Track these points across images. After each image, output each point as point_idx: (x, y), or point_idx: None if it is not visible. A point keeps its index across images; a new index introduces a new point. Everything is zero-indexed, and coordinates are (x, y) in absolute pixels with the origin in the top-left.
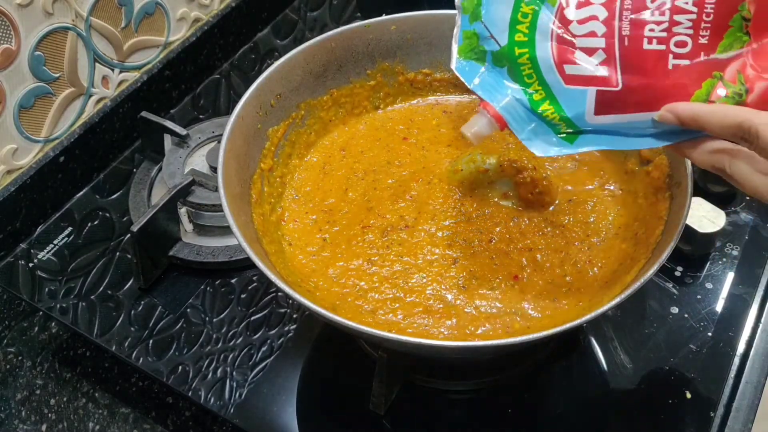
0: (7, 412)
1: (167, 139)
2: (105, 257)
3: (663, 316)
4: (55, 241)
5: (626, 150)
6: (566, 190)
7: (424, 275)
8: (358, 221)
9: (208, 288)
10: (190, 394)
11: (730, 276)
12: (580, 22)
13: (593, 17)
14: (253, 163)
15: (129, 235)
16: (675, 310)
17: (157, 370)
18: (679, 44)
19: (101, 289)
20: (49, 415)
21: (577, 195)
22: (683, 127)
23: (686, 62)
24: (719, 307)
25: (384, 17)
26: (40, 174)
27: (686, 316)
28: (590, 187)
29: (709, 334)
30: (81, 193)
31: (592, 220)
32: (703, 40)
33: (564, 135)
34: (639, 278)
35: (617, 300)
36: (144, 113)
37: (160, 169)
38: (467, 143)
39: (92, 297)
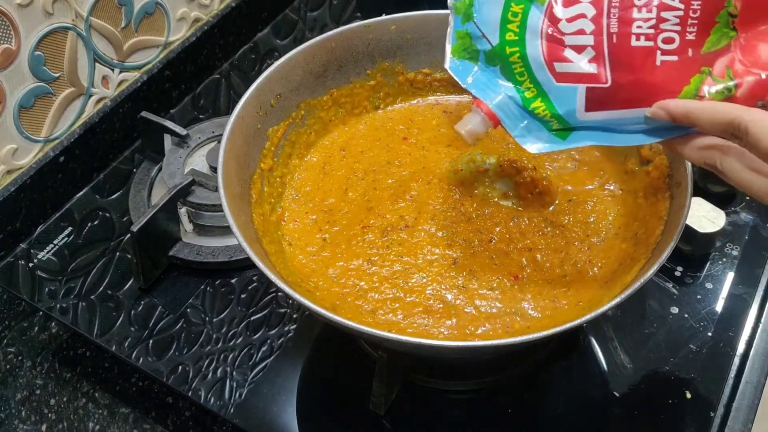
0: (7, 412)
1: (167, 139)
2: (105, 257)
3: (663, 316)
4: (55, 241)
5: (621, 147)
6: (566, 190)
7: (424, 275)
8: (358, 221)
9: (208, 288)
10: (190, 394)
11: (730, 276)
12: (569, 20)
13: (582, 15)
14: (253, 163)
15: (129, 235)
16: (675, 310)
17: (157, 370)
18: (666, 41)
19: (101, 289)
20: (49, 415)
21: (577, 195)
22: (675, 124)
23: (674, 58)
24: (719, 307)
25: (384, 17)
26: (40, 174)
27: (686, 316)
28: (590, 187)
29: (709, 334)
30: (81, 193)
31: (592, 220)
32: (690, 36)
33: (556, 132)
34: (639, 278)
35: (617, 300)
36: (144, 113)
37: (160, 169)
38: (467, 143)
39: (92, 297)
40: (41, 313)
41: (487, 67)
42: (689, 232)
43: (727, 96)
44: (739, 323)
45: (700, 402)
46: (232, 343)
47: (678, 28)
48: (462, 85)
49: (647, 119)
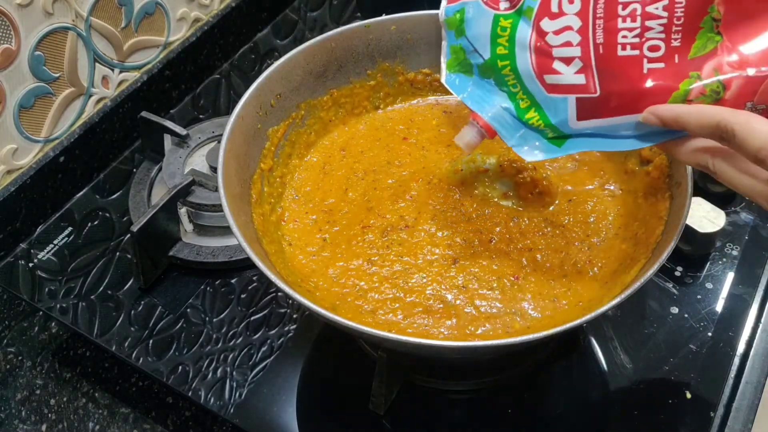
0: (7, 412)
1: (167, 139)
2: (105, 257)
3: (663, 316)
4: (55, 241)
5: (618, 151)
6: (566, 190)
7: (424, 275)
8: (358, 221)
9: (208, 288)
10: (190, 394)
11: (730, 276)
12: (556, 32)
13: (568, 27)
14: (253, 163)
15: (129, 235)
16: (675, 310)
17: (157, 370)
18: (652, 48)
19: (101, 289)
20: (49, 415)
21: (577, 195)
22: (666, 128)
23: (661, 65)
24: (719, 307)
25: (384, 17)
26: (40, 174)
27: (686, 316)
28: (590, 187)
29: (709, 334)
30: (81, 193)
31: (592, 220)
32: (675, 43)
33: (552, 139)
34: (639, 278)
35: (617, 300)
36: (144, 113)
37: (160, 169)
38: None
39: (92, 297)
40: (41, 313)
41: (481, 79)
42: (689, 232)
43: (716, 99)
44: (739, 323)
45: (700, 402)
46: (232, 343)
47: (663, 35)
48: (458, 98)
49: (639, 125)
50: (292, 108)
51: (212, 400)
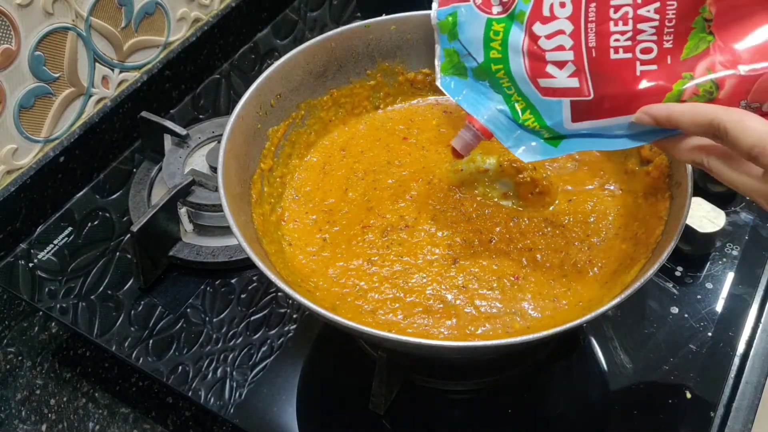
0: (7, 412)
1: (167, 139)
2: (105, 257)
3: (663, 316)
4: (55, 241)
5: (615, 150)
6: (566, 190)
7: (424, 275)
8: (358, 221)
9: (208, 288)
10: (190, 394)
11: (730, 276)
12: (548, 37)
13: (560, 31)
14: (253, 163)
15: (129, 235)
16: (675, 310)
17: (157, 370)
18: (644, 51)
19: (101, 289)
20: (49, 415)
21: (577, 195)
22: (660, 127)
23: (654, 67)
24: (719, 307)
25: (384, 17)
26: (40, 174)
27: (686, 316)
28: (590, 187)
29: (709, 334)
30: (81, 193)
31: (592, 220)
32: (667, 45)
33: (548, 140)
34: (639, 278)
35: (617, 300)
36: (144, 113)
37: (160, 169)
38: None
39: (92, 297)
40: (41, 313)
41: (476, 82)
42: (689, 232)
43: (710, 99)
44: (739, 323)
45: (700, 402)
46: (232, 343)
47: (655, 37)
48: (454, 101)
49: (633, 124)
50: (292, 108)
51: (212, 400)
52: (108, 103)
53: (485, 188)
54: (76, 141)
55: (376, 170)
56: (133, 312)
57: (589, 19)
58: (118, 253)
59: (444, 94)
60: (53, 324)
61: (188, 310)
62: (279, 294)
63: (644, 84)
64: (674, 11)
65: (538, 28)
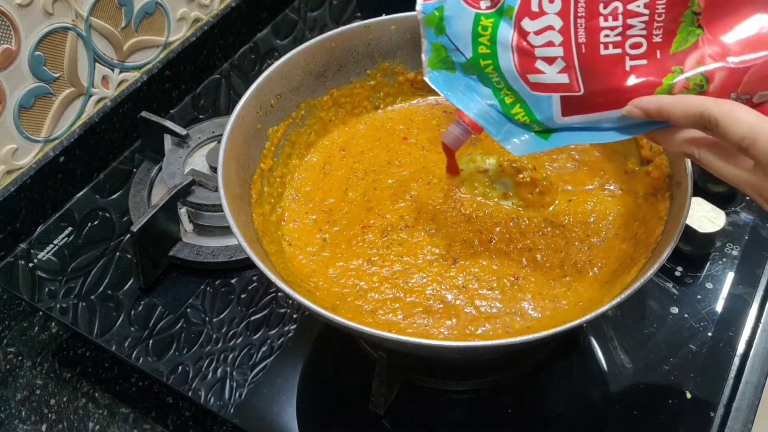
0: (7, 412)
1: (167, 139)
2: (105, 257)
3: (663, 316)
4: (55, 241)
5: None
6: (566, 190)
7: (424, 275)
8: (358, 221)
9: (208, 288)
10: (190, 394)
11: (730, 276)
12: (537, 32)
13: (549, 27)
14: (253, 163)
15: (129, 235)
16: (675, 310)
17: (157, 370)
18: (634, 46)
19: (101, 289)
20: (49, 415)
21: (577, 195)
22: (651, 120)
23: (643, 62)
24: (719, 307)
25: (384, 17)
26: (40, 174)
27: (686, 316)
28: (590, 187)
29: (709, 334)
30: (81, 193)
31: (592, 220)
32: (657, 39)
33: (538, 133)
34: (639, 278)
35: (617, 300)
36: (144, 113)
37: (160, 169)
38: (468, 143)
39: (92, 297)
40: (41, 313)
41: (464, 76)
42: (689, 232)
43: (700, 92)
44: (739, 323)
45: (700, 402)
46: (232, 343)
47: (644, 32)
48: (442, 95)
49: (624, 118)
50: (292, 108)
51: (212, 400)
52: (108, 103)
53: (485, 188)
54: (76, 141)
55: (376, 170)
56: (133, 312)
57: (579, 14)
58: (118, 253)
59: None
60: (53, 324)
61: (188, 310)
62: (279, 294)
63: (634, 79)
64: (663, 6)
65: (527, 24)
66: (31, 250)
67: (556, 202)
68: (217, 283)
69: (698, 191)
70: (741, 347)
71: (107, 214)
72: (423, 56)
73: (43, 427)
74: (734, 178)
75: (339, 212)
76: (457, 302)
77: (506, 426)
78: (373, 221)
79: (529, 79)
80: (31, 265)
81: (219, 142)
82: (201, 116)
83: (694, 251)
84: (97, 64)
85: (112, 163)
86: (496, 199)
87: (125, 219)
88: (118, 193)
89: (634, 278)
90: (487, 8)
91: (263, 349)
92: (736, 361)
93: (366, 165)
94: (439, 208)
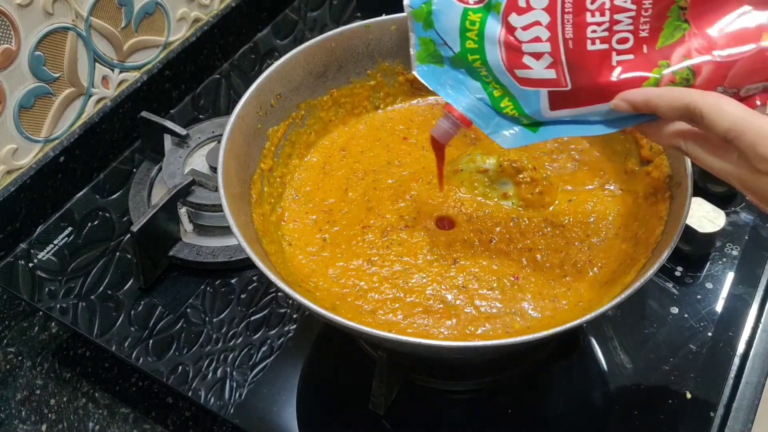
0: (7, 412)
1: (167, 139)
2: (105, 257)
3: (663, 316)
4: (55, 241)
5: (595, 135)
6: (566, 190)
7: (424, 275)
8: (358, 221)
9: (208, 288)
10: (190, 394)
11: (730, 276)
12: (524, 28)
13: (537, 23)
14: (253, 163)
15: (129, 235)
16: (675, 310)
17: (157, 370)
18: (621, 41)
19: (101, 289)
20: (49, 415)
21: (577, 195)
22: (638, 113)
23: (630, 57)
24: (719, 307)
25: (384, 17)
26: (40, 174)
27: (686, 316)
28: (590, 187)
29: (709, 334)
30: (81, 193)
31: (592, 220)
32: (643, 34)
33: (527, 126)
34: (639, 278)
35: (617, 300)
36: (144, 113)
37: (160, 169)
38: (467, 143)
39: (92, 297)
40: (41, 313)
41: (453, 69)
42: (689, 232)
43: (687, 86)
44: (739, 323)
45: (700, 402)
46: (232, 343)
47: (631, 27)
48: (431, 89)
49: (612, 111)
50: (292, 108)
51: (212, 400)
52: (108, 103)
53: (485, 188)
54: (76, 141)
55: (376, 170)
56: (133, 312)
57: (566, 10)
58: (118, 253)
59: None
60: (53, 324)
61: (188, 310)
62: (279, 294)
63: (621, 74)
64: (650, 1)
65: (515, 19)
66: (31, 250)
67: (556, 202)
68: (217, 283)
69: (698, 191)
70: (741, 347)
71: (107, 214)
72: (411, 50)
73: (43, 427)
74: (721, 170)
75: (339, 212)
76: (457, 302)
77: (506, 426)
78: (373, 221)
79: (516, 74)
80: (31, 265)
81: (219, 142)
82: (201, 116)
83: (694, 251)
84: (97, 64)
85: (112, 163)
86: (496, 199)
87: (125, 219)
88: (118, 193)
89: (634, 278)
90: (475, 3)
91: (263, 349)
92: (736, 361)
93: (366, 165)
94: (439, 208)
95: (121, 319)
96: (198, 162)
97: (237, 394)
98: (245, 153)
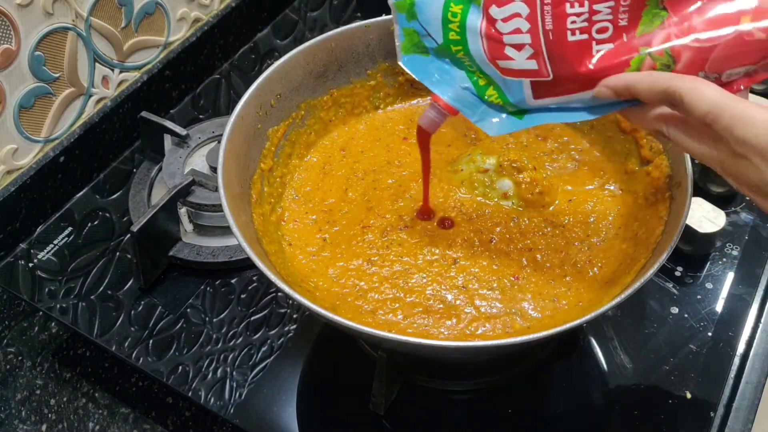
0: (7, 412)
1: (167, 139)
2: (105, 257)
3: (663, 316)
4: (55, 241)
5: (580, 120)
6: (566, 190)
7: (424, 275)
8: (358, 221)
9: (208, 288)
10: (190, 394)
11: (730, 276)
12: (505, 20)
13: (516, 14)
14: (253, 163)
15: (129, 235)
16: (675, 310)
17: (157, 370)
18: (600, 30)
19: (101, 289)
20: (49, 415)
21: (577, 195)
22: (620, 99)
23: (610, 46)
24: (719, 307)
25: (384, 17)
26: (40, 174)
27: (686, 316)
28: (590, 187)
29: (709, 334)
30: (81, 193)
31: (592, 220)
32: (623, 23)
33: (513, 113)
34: (639, 278)
35: (617, 300)
36: (144, 113)
37: (160, 169)
38: (467, 143)
39: (92, 297)
40: (41, 313)
41: (438, 59)
42: (689, 232)
43: (667, 71)
44: (739, 323)
45: (700, 402)
46: (232, 343)
47: (610, 17)
48: (416, 79)
49: (595, 98)
50: (292, 108)
51: (212, 400)
52: (108, 103)
53: (485, 188)
54: (76, 141)
55: (376, 170)
56: (133, 312)
57: (545, 1)
58: (118, 253)
59: None
60: (53, 324)
61: (188, 310)
62: (279, 294)
63: (602, 62)
64: None
65: (495, 11)
66: (31, 250)
67: (556, 202)
68: (217, 283)
69: (698, 191)
70: (741, 347)
71: (107, 214)
72: (396, 42)
73: (43, 427)
74: (703, 155)
75: (339, 212)
76: (457, 302)
77: (506, 426)
78: (372, 221)
79: (499, 65)
80: (31, 265)
81: (219, 142)
82: (201, 116)
83: (694, 251)
84: (97, 64)
85: (112, 163)
86: (496, 199)
87: (125, 219)
88: (118, 193)
89: (634, 278)
90: None
91: (263, 349)
92: (736, 361)
93: (366, 165)
94: (439, 208)
95: (121, 319)
96: (198, 162)
97: (237, 394)
98: (245, 153)
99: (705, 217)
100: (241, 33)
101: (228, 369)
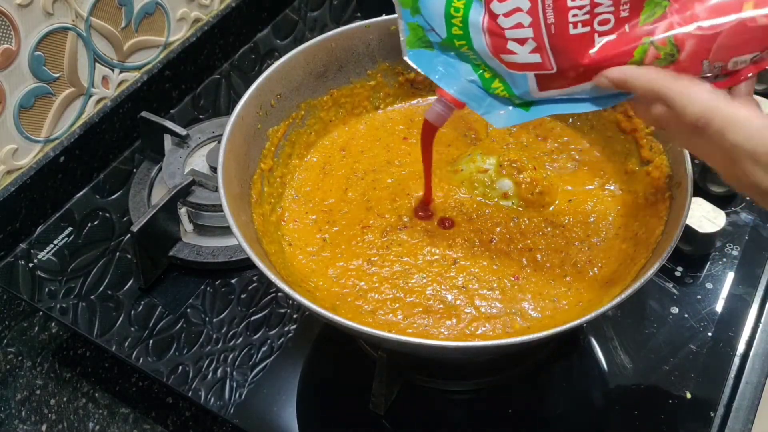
0: (7, 412)
1: (167, 139)
2: (105, 257)
3: (663, 316)
4: (55, 241)
5: (586, 112)
6: (566, 190)
7: (424, 275)
8: (357, 221)
9: (208, 288)
10: (190, 394)
11: (730, 276)
12: (506, 15)
13: (518, 9)
14: (253, 163)
15: (129, 235)
16: (675, 310)
17: (157, 370)
18: (602, 22)
19: (101, 289)
20: (49, 415)
21: (577, 195)
22: (620, 90)
23: (612, 37)
24: (719, 307)
25: (384, 17)
26: (40, 174)
27: (686, 316)
28: (590, 187)
29: (709, 334)
30: (81, 193)
31: (592, 220)
32: (624, 14)
33: (519, 105)
34: (639, 278)
35: (617, 300)
36: (144, 113)
37: (160, 169)
38: (467, 143)
39: (92, 297)
40: (41, 313)
41: (443, 53)
42: (689, 232)
43: (671, 61)
44: (739, 323)
45: (700, 402)
46: (232, 343)
47: (612, 9)
48: (422, 73)
49: (597, 89)
50: (292, 108)
51: (212, 400)
52: (108, 103)
53: (485, 188)
54: (76, 141)
55: (376, 170)
56: (133, 312)
57: None
58: (118, 253)
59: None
60: (53, 324)
61: (188, 310)
62: (279, 294)
63: (605, 53)
64: None
65: (496, 6)
66: (31, 250)
67: (556, 202)
68: (217, 283)
69: (698, 191)
70: (741, 347)
71: (107, 214)
72: (401, 36)
73: (43, 427)
74: (705, 158)
75: (339, 212)
76: (457, 302)
77: (506, 426)
78: (372, 221)
79: (503, 59)
80: (31, 265)
81: (219, 142)
82: (201, 116)
83: (694, 251)
84: (97, 64)
85: (112, 163)
86: (496, 199)
87: (125, 219)
88: (118, 193)
89: (634, 278)
90: None
91: (263, 349)
92: (736, 361)
93: (366, 165)
94: (439, 208)
95: (121, 319)
96: (198, 162)
97: (237, 394)
98: (245, 153)
99: (705, 217)
100: (241, 33)
101: (228, 369)
